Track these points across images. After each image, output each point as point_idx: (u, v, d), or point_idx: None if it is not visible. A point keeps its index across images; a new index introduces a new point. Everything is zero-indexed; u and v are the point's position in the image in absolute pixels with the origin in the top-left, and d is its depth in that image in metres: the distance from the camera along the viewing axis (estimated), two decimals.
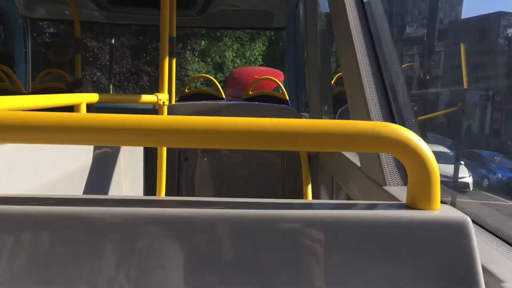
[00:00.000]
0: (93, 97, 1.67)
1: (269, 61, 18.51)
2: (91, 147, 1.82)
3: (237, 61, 19.12)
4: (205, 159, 3.01)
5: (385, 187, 1.22)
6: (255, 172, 2.97)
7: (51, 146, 1.43)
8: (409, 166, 0.60)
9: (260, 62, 19.13)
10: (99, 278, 0.57)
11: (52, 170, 1.48)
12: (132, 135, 0.58)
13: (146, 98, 2.19)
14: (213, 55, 18.71)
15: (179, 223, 0.59)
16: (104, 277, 0.57)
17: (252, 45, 19.41)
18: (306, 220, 0.59)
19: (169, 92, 2.49)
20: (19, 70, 4.29)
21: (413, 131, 0.61)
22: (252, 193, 2.62)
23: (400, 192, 1.16)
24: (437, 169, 0.59)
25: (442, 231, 0.58)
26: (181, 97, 4.11)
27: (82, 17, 4.14)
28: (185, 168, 2.99)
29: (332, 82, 2.93)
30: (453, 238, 0.58)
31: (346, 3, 1.34)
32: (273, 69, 6.06)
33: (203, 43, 18.53)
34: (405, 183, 1.23)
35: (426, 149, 0.59)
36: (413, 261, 0.58)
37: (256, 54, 19.47)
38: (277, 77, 5.50)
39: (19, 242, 0.57)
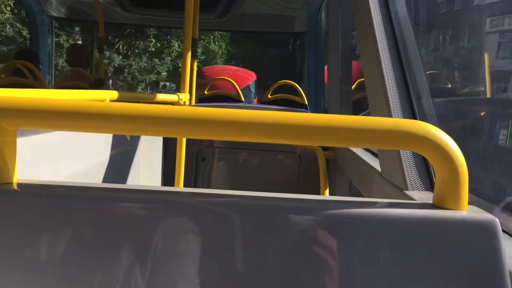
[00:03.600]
0: (116, 95, 1.71)
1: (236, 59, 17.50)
2: (111, 140, 1.84)
3: (202, 57, 17.92)
4: (222, 161, 3.02)
5: (407, 192, 1.21)
6: (271, 174, 2.97)
7: (73, 138, 1.45)
8: (438, 164, 0.58)
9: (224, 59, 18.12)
10: (117, 265, 0.58)
11: (74, 161, 1.51)
12: (156, 124, 0.59)
13: (167, 97, 2.21)
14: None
15: (197, 213, 0.60)
16: (122, 264, 0.58)
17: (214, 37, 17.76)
18: (324, 216, 0.59)
19: (190, 93, 2.51)
20: (43, 67, 4.36)
21: None
22: None
23: (422, 196, 1.14)
24: (466, 168, 0.58)
25: (469, 232, 0.57)
26: (201, 99, 4.13)
27: (106, 18, 4.20)
28: (201, 168, 3.01)
29: (353, 87, 2.91)
30: (480, 239, 0.57)
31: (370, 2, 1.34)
32: (245, 69, 6.01)
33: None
34: (427, 188, 1.22)
35: (455, 148, 0.58)
36: (438, 262, 0.57)
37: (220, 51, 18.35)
38: (249, 77, 5.46)
39: (42, 227, 0.59)
